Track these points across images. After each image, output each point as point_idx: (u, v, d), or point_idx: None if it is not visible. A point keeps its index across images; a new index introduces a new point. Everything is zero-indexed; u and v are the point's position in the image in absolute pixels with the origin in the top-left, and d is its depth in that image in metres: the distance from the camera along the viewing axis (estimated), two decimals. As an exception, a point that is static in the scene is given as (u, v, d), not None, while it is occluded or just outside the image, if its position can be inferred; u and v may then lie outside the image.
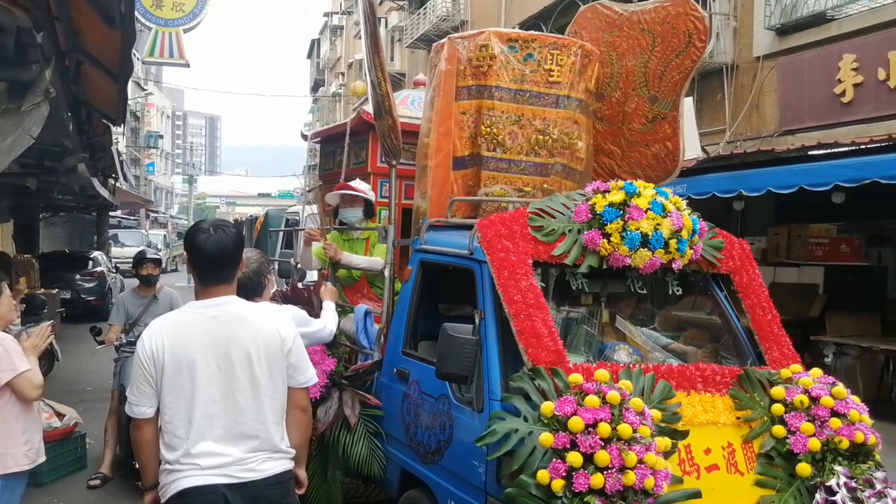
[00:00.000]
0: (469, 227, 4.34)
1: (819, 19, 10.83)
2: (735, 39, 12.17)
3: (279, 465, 3.18)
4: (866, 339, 9.74)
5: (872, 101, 9.91)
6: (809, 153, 9.58)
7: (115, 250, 30.10)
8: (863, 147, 8.89)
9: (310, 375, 3.36)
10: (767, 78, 11.61)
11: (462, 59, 4.91)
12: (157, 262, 7.33)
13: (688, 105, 10.20)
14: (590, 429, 3.30)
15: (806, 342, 9.86)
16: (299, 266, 7.22)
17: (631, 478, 3.22)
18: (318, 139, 7.55)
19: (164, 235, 43.47)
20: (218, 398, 3.09)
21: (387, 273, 5.06)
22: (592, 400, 3.37)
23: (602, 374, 3.55)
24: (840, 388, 3.94)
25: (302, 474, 3.43)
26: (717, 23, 11.97)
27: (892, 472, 3.92)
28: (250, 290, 4.51)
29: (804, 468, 3.73)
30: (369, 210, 5.87)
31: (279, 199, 54.53)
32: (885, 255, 12.02)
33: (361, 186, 5.82)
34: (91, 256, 19.57)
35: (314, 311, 5.33)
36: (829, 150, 9.42)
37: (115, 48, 6.84)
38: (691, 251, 4.21)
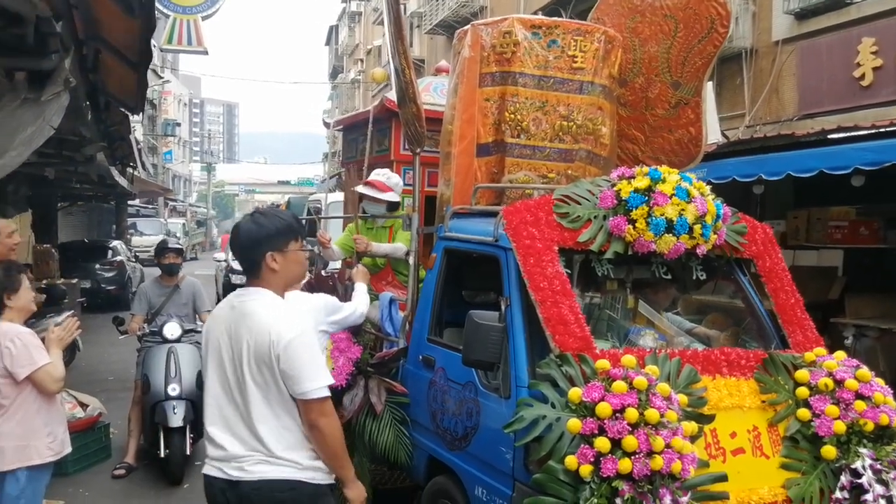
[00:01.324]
0: (493, 215, 4.37)
1: (838, 3, 10.75)
2: (754, 24, 12.10)
3: (277, 471, 3.00)
4: (886, 321, 9.69)
5: (892, 84, 9.84)
6: (829, 136, 9.52)
7: (135, 239, 30.33)
8: (883, 130, 8.83)
9: (308, 388, 2.96)
10: (786, 62, 11.54)
11: (485, 45, 4.92)
12: (180, 251, 7.38)
13: (708, 90, 10.17)
14: (617, 414, 3.33)
15: (826, 325, 9.83)
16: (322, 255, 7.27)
17: (658, 462, 3.24)
18: (341, 127, 7.57)
19: (183, 224, 43.69)
20: (221, 390, 3.10)
21: (411, 261, 5.10)
22: (620, 385, 3.40)
23: (629, 359, 3.57)
24: (864, 370, 3.97)
25: (346, 484, 3.25)
26: (736, 7, 11.88)
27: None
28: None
29: (829, 451, 3.75)
30: (392, 206, 5.89)
31: (299, 187, 54.59)
32: (905, 238, 11.96)
33: (392, 181, 5.83)
34: (110, 246, 19.70)
35: (340, 299, 5.39)
36: (848, 134, 9.36)
37: (133, 37, 6.83)
38: (715, 236, 4.23)
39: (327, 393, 2.99)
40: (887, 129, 8.74)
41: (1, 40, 5.18)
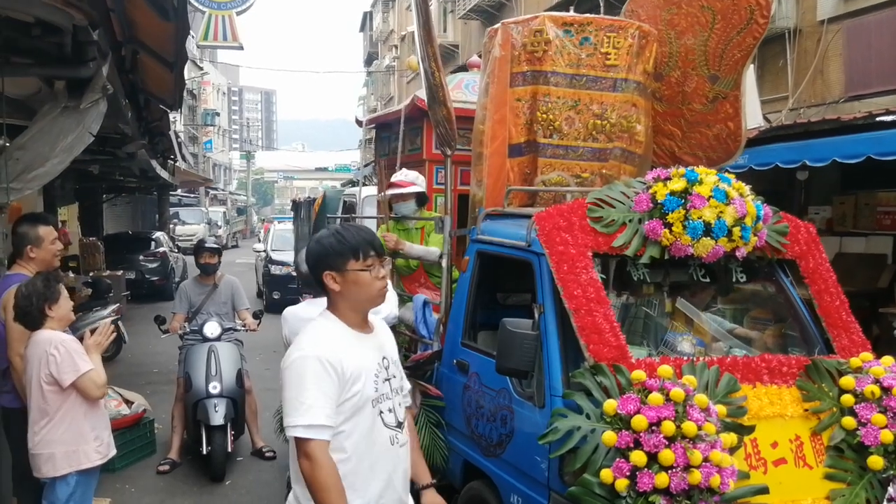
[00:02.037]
0: (526, 217, 4.30)
1: (887, -21, 10.42)
2: (798, 3, 11.79)
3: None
4: (938, 311, 9.44)
5: (944, 63, 9.54)
6: (878, 120, 9.25)
7: (178, 229, 30.79)
8: (935, 113, 8.56)
9: (287, 422, 2.70)
10: (832, 42, 11.23)
11: (516, 44, 4.84)
12: (216, 250, 7.42)
13: (749, 73, 9.95)
14: (653, 427, 3.26)
15: (875, 314, 9.60)
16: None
17: (696, 476, 3.17)
18: (373, 125, 7.54)
19: (224, 212, 44.19)
20: None
21: (444, 263, 5.05)
22: (656, 398, 3.33)
23: (665, 370, 3.49)
24: (914, 377, 3.82)
25: None
26: (779, -14, 11.61)
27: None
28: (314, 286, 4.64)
29: (876, 461, 3.63)
30: (421, 200, 5.86)
31: (336, 173, 54.87)
32: (958, 222, 11.62)
33: (408, 178, 5.80)
34: (153, 237, 19.99)
35: None
36: (897, 117, 9.08)
37: (169, 39, 6.91)
38: (755, 238, 4.11)
39: (304, 434, 2.64)
40: (938, 112, 8.48)
41: (40, 50, 5.26)
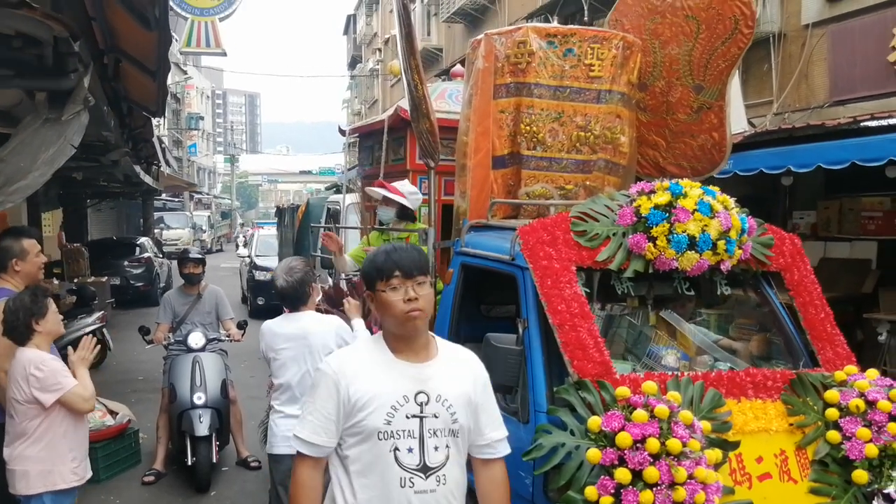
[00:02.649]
0: (510, 229, 4.27)
1: (872, -17, 10.46)
2: (782, 7, 11.80)
3: None
4: (923, 317, 9.47)
5: (928, 69, 9.58)
6: (862, 125, 9.28)
7: (165, 233, 30.71)
8: (918, 119, 8.59)
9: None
10: (817, 46, 11.25)
11: (500, 56, 4.82)
12: (200, 260, 7.38)
13: (734, 77, 9.98)
14: (638, 444, 3.24)
15: (859, 319, 9.63)
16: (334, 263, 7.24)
17: (681, 494, 3.15)
18: (357, 134, 7.50)
19: (209, 216, 44.06)
20: None
21: (428, 276, 5.02)
22: (640, 415, 3.31)
23: (650, 386, 3.47)
24: (898, 390, 3.82)
25: None
26: (760, -7, 11.64)
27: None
28: (295, 299, 4.63)
29: (861, 475, 3.62)
30: (404, 213, 5.81)
31: (320, 176, 54.77)
32: (942, 225, 11.68)
33: (404, 189, 5.76)
34: (138, 243, 19.89)
35: (361, 311, 5.33)
36: (882, 123, 9.11)
37: (151, 48, 6.88)
38: (740, 251, 4.10)
39: (296, 446, 2.70)
40: (923, 118, 8.51)
41: (21, 61, 5.22)
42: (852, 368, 4.01)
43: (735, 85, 10.53)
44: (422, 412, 2.64)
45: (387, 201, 5.76)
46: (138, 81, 8.19)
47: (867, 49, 10.39)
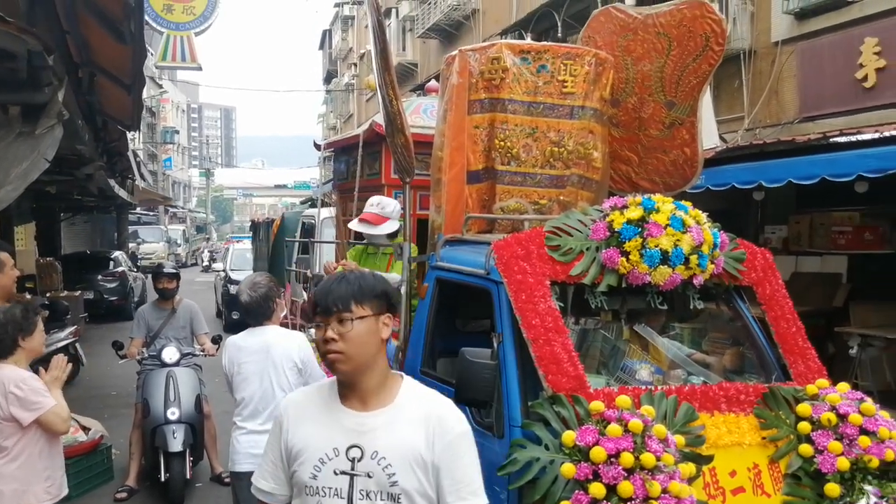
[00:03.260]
0: (484, 244, 4.29)
1: (839, 2, 10.61)
2: (752, 24, 11.98)
3: None
4: (892, 331, 9.58)
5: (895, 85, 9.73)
6: (831, 141, 9.42)
7: (140, 248, 30.55)
8: (887, 135, 8.72)
9: None
10: (786, 63, 11.42)
11: (474, 72, 4.85)
12: (174, 275, 7.34)
13: (705, 93, 10.10)
14: (612, 459, 3.25)
15: (830, 333, 9.74)
16: (314, 276, 7.22)
17: (655, 508, 3.16)
18: (332, 149, 7.50)
19: (184, 230, 43.81)
20: None
21: (402, 291, 5.02)
22: (614, 429, 3.32)
23: (624, 400, 3.48)
24: (869, 404, 3.85)
25: None
26: (734, 7, 11.79)
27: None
28: (259, 314, 4.64)
29: (833, 488, 3.64)
30: (394, 234, 5.76)
31: (295, 190, 54.68)
32: (910, 240, 11.85)
33: (387, 210, 5.72)
34: (112, 256, 19.74)
35: None
36: (851, 139, 9.25)
37: (126, 62, 6.88)
38: (712, 265, 4.13)
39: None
40: (892, 135, 8.64)
41: (-6, 75, 5.18)
42: (824, 382, 4.04)
43: (707, 101, 10.67)
44: (353, 469, 2.28)
45: (376, 222, 5.73)
46: (113, 95, 8.17)
47: (835, 66, 10.56)
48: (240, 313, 4.91)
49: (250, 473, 4.19)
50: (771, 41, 11.68)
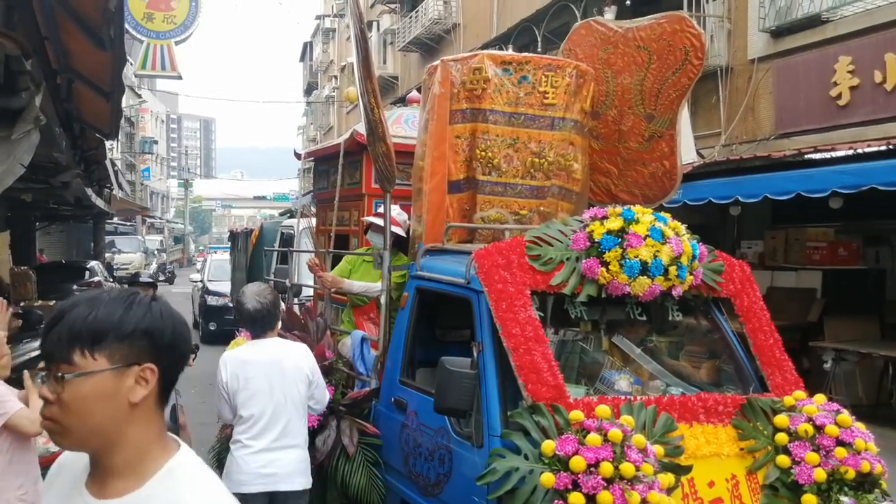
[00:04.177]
0: (465, 253, 4.28)
1: (814, 21, 10.76)
2: (729, 42, 12.11)
3: None
4: (866, 345, 9.69)
5: (869, 103, 9.86)
6: (806, 157, 9.53)
7: (117, 258, 30.30)
8: (860, 152, 8.84)
9: None
10: (762, 80, 11.56)
11: (455, 82, 4.85)
12: (151, 284, 7.27)
13: (683, 109, 10.18)
14: (592, 468, 3.24)
15: (805, 347, 9.82)
16: (293, 285, 7.18)
17: (634, 518, 3.16)
18: (312, 158, 7.48)
19: (161, 240, 43.49)
20: None
21: (383, 300, 5.01)
22: (594, 438, 3.31)
23: (603, 410, 3.48)
24: (845, 415, 3.88)
25: None
26: (711, 25, 11.93)
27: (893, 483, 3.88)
28: (266, 323, 4.42)
29: (810, 499, 3.65)
30: (397, 242, 5.48)
31: (275, 202, 54.53)
32: (883, 256, 12.01)
33: (401, 218, 5.64)
34: (88, 266, 19.51)
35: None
36: (826, 156, 9.37)
37: (105, 69, 6.82)
38: (691, 277, 4.15)
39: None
40: (865, 152, 8.77)
41: (-30, 79, 5.11)
42: (801, 394, 4.07)
43: (685, 116, 10.75)
44: None
45: (380, 229, 5.69)
46: (92, 102, 8.10)
47: (810, 84, 10.70)
48: (242, 322, 4.66)
49: (262, 494, 4.11)
50: (747, 58, 11.81)
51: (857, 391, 9.67)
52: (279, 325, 4.63)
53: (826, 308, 10.69)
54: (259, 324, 4.38)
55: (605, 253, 3.98)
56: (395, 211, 5.75)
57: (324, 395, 4.57)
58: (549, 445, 3.36)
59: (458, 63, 4.91)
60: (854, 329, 10.13)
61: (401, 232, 5.52)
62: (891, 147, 8.55)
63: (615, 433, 3.33)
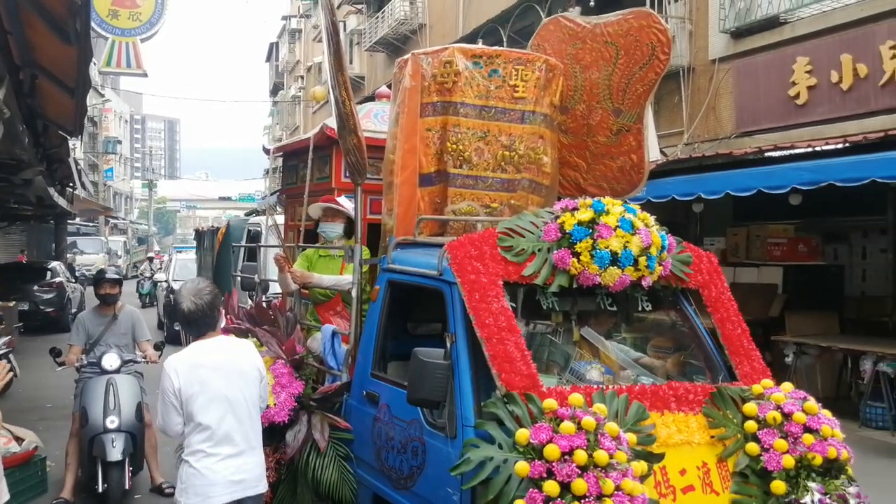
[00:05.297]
0: (437, 246, 4.29)
1: (773, 22, 10.96)
2: (691, 42, 12.28)
3: None
4: (825, 339, 9.91)
5: (826, 103, 10.07)
6: (767, 155, 9.70)
7: (79, 259, 29.85)
8: (819, 150, 9.02)
9: None
10: (723, 80, 11.74)
11: (426, 75, 4.85)
12: (117, 281, 7.17)
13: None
14: (566, 456, 3.27)
15: (767, 342, 9.98)
16: (261, 281, 7.13)
17: (608, 505, 3.19)
18: (281, 153, 7.44)
19: (125, 242, 42.97)
20: None
21: (354, 293, 4.99)
22: (568, 427, 3.34)
23: (576, 398, 3.51)
24: (811, 403, 3.95)
25: None
26: (673, 26, 12.07)
27: (856, 470, 3.96)
28: (203, 324, 4.11)
29: (779, 486, 3.72)
30: (350, 228, 5.71)
31: (240, 203, 54.12)
32: (841, 253, 12.28)
33: (347, 204, 5.72)
34: (49, 267, 19.24)
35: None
36: (786, 153, 9.55)
37: (70, 63, 6.71)
38: (660, 267, 4.21)
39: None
40: (823, 149, 8.94)
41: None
42: (769, 382, 4.13)
43: (648, 115, 10.89)
44: None
45: (334, 215, 5.70)
46: (56, 98, 7.97)
47: (770, 84, 10.90)
48: (179, 323, 4.32)
49: (238, 502, 3.96)
50: (709, 59, 11.99)
51: (818, 384, 9.86)
52: (221, 324, 4.38)
53: (787, 303, 10.90)
54: (195, 326, 4.07)
55: (576, 244, 4.02)
56: (343, 199, 5.77)
57: (266, 391, 4.34)
58: (523, 434, 3.38)
59: (428, 56, 4.91)
60: (814, 324, 10.34)
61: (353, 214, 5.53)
62: (847, 145, 8.74)
63: (589, 421, 3.36)
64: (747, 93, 11.31)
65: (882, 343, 9.29)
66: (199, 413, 3.91)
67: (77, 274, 23.80)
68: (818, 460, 3.74)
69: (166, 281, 18.14)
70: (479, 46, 5.08)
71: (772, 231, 11.95)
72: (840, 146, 8.82)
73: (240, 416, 3.98)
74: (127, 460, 6.51)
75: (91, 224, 39.47)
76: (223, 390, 3.95)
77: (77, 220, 30.99)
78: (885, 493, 5.18)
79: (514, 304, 3.99)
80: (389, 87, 5.83)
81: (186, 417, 3.96)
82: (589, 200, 4.17)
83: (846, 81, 9.76)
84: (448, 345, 3.88)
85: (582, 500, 3.19)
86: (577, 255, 4.02)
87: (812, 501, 3.62)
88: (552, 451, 3.28)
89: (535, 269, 4.05)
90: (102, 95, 45.14)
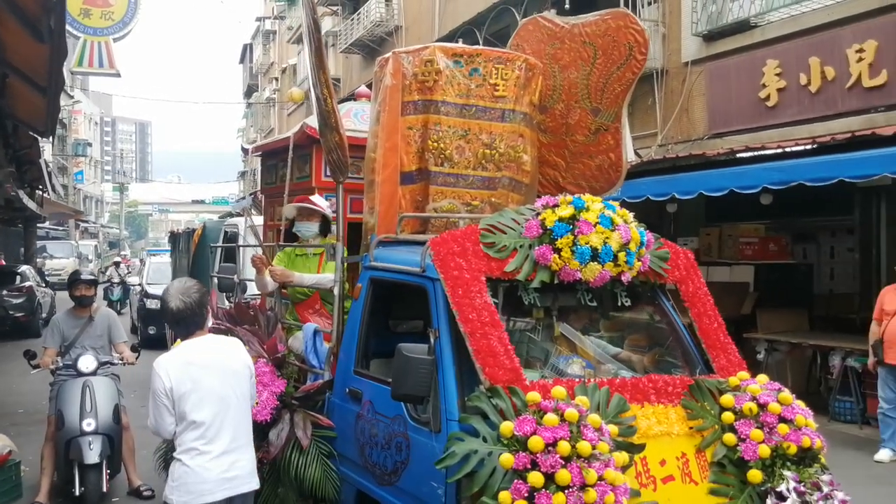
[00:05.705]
0: (419, 243, 4.33)
1: (743, 26, 11.13)
2: (664, 45, 12.42)
3: None
4: (796, 336, 10.09)
5: (795, 104, 10.24)
6: (738, 156, 9.85)
7: (49, 263, 29.50)
8: (789, 150, 9.18)
9: None
10: (696, 83, 11.89)
11: (407, 73, 4.90)
12: (92, 282, 7.11)
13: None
14: (550, 448, 3.32)
15: (739, 340, 10.13)
16: (240, 281, 7.12)
17: (592, 495, 3.24)
18: (260, 153, 7.44)
19: (96, 246, 42.54)
20: None
21: (336, 291, 5.01)
22: (551, 418, 3.39)
23: (559, 391, 3.57)
24: (786, 393, 4.05)
25: None
26: (646, 29, 12.16)
27: (827, 462, 4.05)
28: (192, 323, 4.10)
29: (755, 475, 3.81)
30: (325, 226, 5.80)
31: (213, 206, 53.78)
32: (810, 252, 12.51)
33: (321, 203, 5.76)
34: (18, 271, 18.97)
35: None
36: (756, 154, 9.70)
37: (43, 62, 6.66)
38: (639, 263, 4.28)
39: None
40: (792, 150, 9.11)
41: None
42: (745, 374, 4.22)
43: (624, 116, 11.01)
44: None
45: (310, 214, 5.72)
46: (27, 98, 7.91)
47: (741, 86, 11.06)
48: (166, 322, 4.24)
49: (230, 500, 3.96)
50: (681, 61, 12.14)
51: (788, 380, 10.01)
52: (209, 323, 4.38)
53: (758, 301, 11.07)
54: (183, 324, 4.07)
55: (557, 240, 4.08)
56: (317, 198, 5.80)
57: (255, 389, 4.35)
58: (507, 427, 3.43)
59: (409, 55, 4.95)
60: (785, 321, 10.52)
61: (329, 213, 5.67)
62: (816, 146, 8.90)
63: (571, 413, 3.42)
64: (719, 95, 11.47)
65: (850, 339, 9.46)
66: (191, 411, 3.91)
67: (47, 278, 23.50)
68: (793, 449, 3.83)
69: (140, 284, 17.98)
70: (460, 45, 5.16)
71: (743, 231, 12.14)
72: (809, 147, 8.98)
73: (231, 414, 3.99)
74: (104, 463, 6.46)
75: (61, 228, 39.04)
76: (215, 388, 3.96)
77: (47, 223, 30.63)
78: (855, 484, 5.30)
79: (496, 300, 4.04)
80: (368, 87, 5.86)
81: (178, 416, 3.94)
82: (569, 197, 4.24)
83: (814, 84, 9.94)
84: (432, 340, 3.92)
85: (566, 491, 3.24)
86: (558, 251, 4.08)
87: (787, 489, 3.71)
88: (536, 442, 3.33)
89: (517, 265, 4.10)
90: (72, 97, 44.64)
